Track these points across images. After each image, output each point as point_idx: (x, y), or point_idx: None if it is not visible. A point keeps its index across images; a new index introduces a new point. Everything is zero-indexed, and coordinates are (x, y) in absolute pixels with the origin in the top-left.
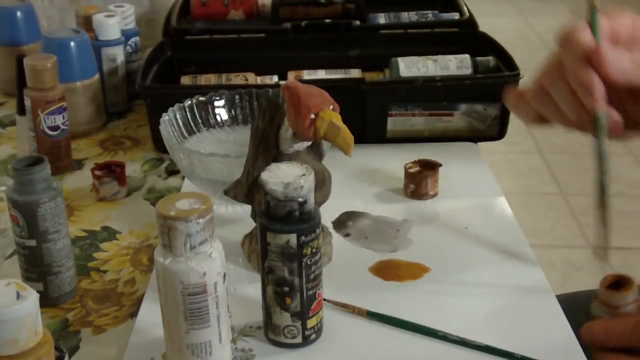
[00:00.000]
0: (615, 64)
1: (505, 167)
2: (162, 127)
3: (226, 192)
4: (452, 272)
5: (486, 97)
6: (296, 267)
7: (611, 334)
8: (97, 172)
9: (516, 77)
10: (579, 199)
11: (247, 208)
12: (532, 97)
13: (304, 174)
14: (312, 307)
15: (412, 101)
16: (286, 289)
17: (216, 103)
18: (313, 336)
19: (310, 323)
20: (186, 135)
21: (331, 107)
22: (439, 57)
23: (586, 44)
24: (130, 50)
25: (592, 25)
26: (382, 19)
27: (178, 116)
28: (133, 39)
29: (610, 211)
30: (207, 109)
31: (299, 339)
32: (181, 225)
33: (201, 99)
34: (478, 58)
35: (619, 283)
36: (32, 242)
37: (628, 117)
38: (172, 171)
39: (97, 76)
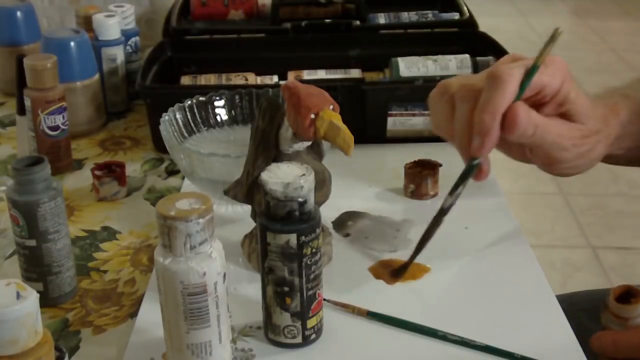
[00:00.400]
0: (521, 129)
1: (505, 167)
2: (162, 127)
3: (226, 192)
4: (452, 272)
5: None
6: (296, 267)
7: (619, 346)
8: (97, 172)
9: None
10: (579, 199)
11: (247, 208)
12: (444, 102)
13: (304, 174)
14: (312, 307)
15: (412, 101)
16: (286, 289)
17: (216, 103)
18: (313, 336)
19: (310, 323)
20: (186, 135)
21: (331, 107)
22: (439, 57)
23: (508, 97)
24: (130, 50)
25: (527, 77)
26: (382, 19)
27: (178, 116)
28: (133, 39)
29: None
30: (207, 109)
31: (299, 339)
32: (181, 225)
33: (201, 99)
34: (478, 58)
35: (629, 294)
36: (32, 242)
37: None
38: (172, 171)
39: (97, 76)
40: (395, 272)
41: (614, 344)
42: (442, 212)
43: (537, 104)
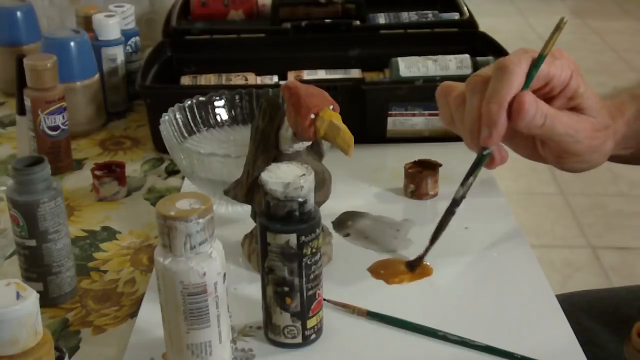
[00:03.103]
0: (529, 116)
1: (505, 167)
2: (162, 127)
3: (226, 192)
4: (452, 272)
5: None
6: (296, 267)
7: None
8: (97, 172)
9: None
10: (579, 199)
11: (247, 208)
12: (453, 98)
13: (304, 174)
14: (312, 307)
15: (412, 101)
16: (286, 289)
17: (216, 103)
18: (313, 336)
19: (310, 323)
20: (186, 135)
21: (331, 107)
22: (439, 57)
23: (514, 86)
24: (130, 50)
25: (534, 67)
26: (382, 19)
27: (178, 116)
28: (133, 39)
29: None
30: (207, 109)
31: (299, 339)
32: (181, 226)
33: (201, 99)
34: (478, 58)
35: None
36: (32, 242)
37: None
38: (172, 171)
39: (97, 76)
40: (410, 264)
41: None
42: (455, 202)
43: (547, 97)
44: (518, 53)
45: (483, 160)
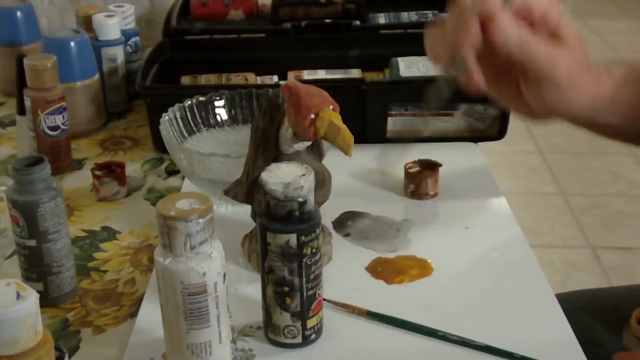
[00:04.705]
0: (503, 30)
1: (505, 167)
2: (162, 127)
3: (226, 192)
4: (452, 272)
5: (486, 97)
6: (296, 267)
7: None
8: (97, 172)
9: None
10: (579, 199)
11: (247, 208)
12: (441, 34)
13: (304, 174)
14: (312, 307)
15: (412, 101)
16: (286, 289)
17: (216, 103)
18: (313, 336)
19: (310, 323)
20: (186, 135)
21: (331, 107)
22: None
23: (491, 3)
24: (130, 50)
25: None
26: (382, 19)
27: (178, 116)
28: (133, 39)
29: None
30: (207, 109)
31: (299, 339)
32: (181, 225)
33: (201, 99)
34: None
35: None
36: (32, 242)
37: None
38: (172, 171)
39: (97, 76)
40: None
41: None
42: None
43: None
44: None
45: (456, 66)
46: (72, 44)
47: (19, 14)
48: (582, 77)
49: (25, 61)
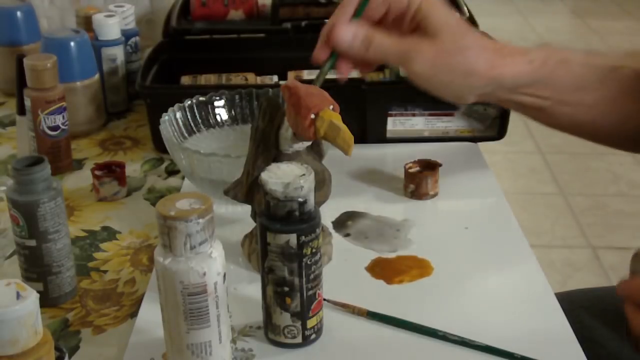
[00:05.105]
0: (340, 38)
1: (505, 167)
2: (162, 127)
3: (226, 192)
4: (452, 272)
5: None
6: (296, 267)
7: None
8: (97, 172)
9: None
10: (579, 199)
11: (247, 208)
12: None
13: (304, 174)
14: (312, 307)
15: (412, 101)
16: (286, 289)
17: (216, 103)
18: (313, 336)
19: (310, 323)
20: (186, 135)
21: (331, 107)
22: None
23: (341, 16)
24: (130, 51)
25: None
26: None
27: (178, 116)
28: (133, 39)
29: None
30: (207, 109)
31: (299, 339)
32: (181, 225)
33: (201, 99)
34: None
35: None
36: (32, 242)
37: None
38: (172, 171)
39: (97, 76)
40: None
41: None
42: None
43: (397, 24)
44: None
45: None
46: (72, 44)
47: (19, 14)
48: (451, 60)
49: (25, 61)
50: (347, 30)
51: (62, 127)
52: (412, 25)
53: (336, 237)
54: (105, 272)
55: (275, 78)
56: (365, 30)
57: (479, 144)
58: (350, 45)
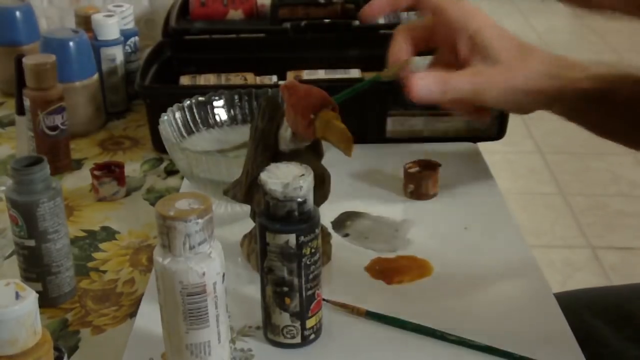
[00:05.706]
0: (416, 92)
1: (505, 167)
2: (161, 127)
3: (225, 192)
4: (452, 272)
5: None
6: (295, 267)
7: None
8: (97, 172)
9: None
10: (579, 199)
11: (247, 208)
12: None
13: (303, 174)
14: (312, 307)
15: (412, 101)
16: (285, 289)
17: (215, 103)
18: (312, 336)
19: (310, 323)
20: (185, 135)
21: (331, 107)
22: None
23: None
24: (130, 50)
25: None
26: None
27: (177, 116)
28: (132, 39)
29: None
30: (206, 109)
31: (298, 339)
32: (180, 226)
33: (200, 99)
34: None
35: None
36: (31, 242)
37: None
38: (172, 171)
39: (96, 76)
40: None
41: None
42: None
43: (450, 47)
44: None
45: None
46: (71, 44)
47: (18, 14)
48: (520, 83)
49: (25, 61)
50: (416, 82)
51: (61, 127)
52: (469, 46)
53: (335, 237)
54: (104, 272)
55: (274, 78)
56: (439, 79)
57: (479, 144)
58: (426, 95)
